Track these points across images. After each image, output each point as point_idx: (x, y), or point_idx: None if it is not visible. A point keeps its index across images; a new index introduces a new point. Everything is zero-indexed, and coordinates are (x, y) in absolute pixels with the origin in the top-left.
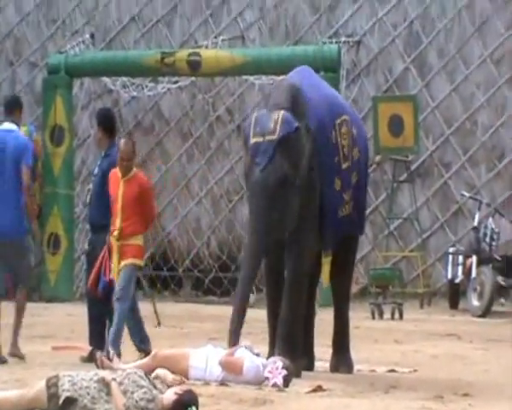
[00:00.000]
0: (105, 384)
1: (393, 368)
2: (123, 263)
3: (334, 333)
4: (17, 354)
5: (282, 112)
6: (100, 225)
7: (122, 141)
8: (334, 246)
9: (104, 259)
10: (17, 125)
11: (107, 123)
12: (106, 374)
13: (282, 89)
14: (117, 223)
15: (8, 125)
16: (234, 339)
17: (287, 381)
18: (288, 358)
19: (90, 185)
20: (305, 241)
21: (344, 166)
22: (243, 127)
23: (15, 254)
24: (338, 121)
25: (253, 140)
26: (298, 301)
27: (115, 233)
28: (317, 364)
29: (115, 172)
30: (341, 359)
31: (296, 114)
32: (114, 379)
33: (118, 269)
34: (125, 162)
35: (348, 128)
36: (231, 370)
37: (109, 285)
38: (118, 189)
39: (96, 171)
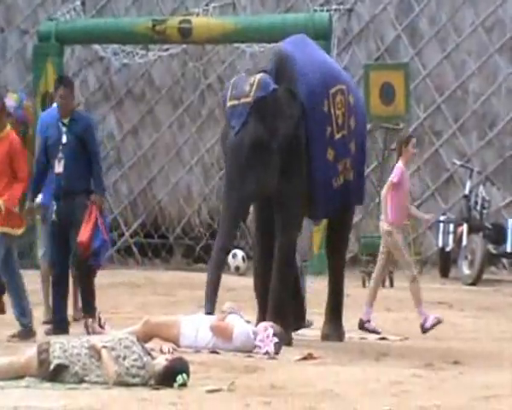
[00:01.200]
0: (96, 351)
1: (384, 336)
2: None
3: (328, 302)
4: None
5: (260, 75)
6: (78, 190)
7: None
8: (327, 216)
9: (98, 218)
10: None
11: (72, 85)
12: (96, 341)
13: (269, 55)
14: None
15: None
16: (209, 308)
17: (277, 348)
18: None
19: (60, 154)
20: (292, 210)
21: (338, 136)
22: (223, 93)
23: None
24: (332, 91)
25: (229, 103)
26: (287, 270)
27: None
28: (310, 332)
29: None
30: (333, 328)
31: (280, 78)
32: (105, 346)
33: None
34: None
35: (344, 97)
36: (221, 335)
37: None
38: None
39: (65, 139)
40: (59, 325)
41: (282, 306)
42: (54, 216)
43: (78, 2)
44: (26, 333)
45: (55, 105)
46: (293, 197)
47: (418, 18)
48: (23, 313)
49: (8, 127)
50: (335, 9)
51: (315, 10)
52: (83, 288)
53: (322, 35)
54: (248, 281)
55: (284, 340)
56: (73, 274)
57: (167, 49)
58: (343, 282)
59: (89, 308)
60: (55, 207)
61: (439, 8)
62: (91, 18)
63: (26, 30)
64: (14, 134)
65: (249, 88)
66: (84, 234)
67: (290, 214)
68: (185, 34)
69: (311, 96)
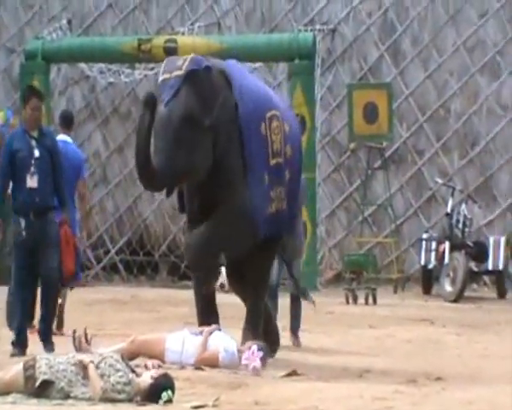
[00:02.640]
0: (82, 367)
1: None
2: None
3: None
4: None
5: (193, 54)
6: (50, 206)
7: None
8: (264, 237)
9: (74, 241)
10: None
11: (43, 97)
12: (83, 357)
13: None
14: None
15: (64, 137)
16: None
17: (264, 362)
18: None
19: (32, 169)
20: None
21: (273, 162)
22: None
23: None
24: (268, 115)
25: (160, 78)
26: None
27: None
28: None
29: None
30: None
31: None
32: (92, 362)
33: None
34: None
35: (279, 123)
36: (208, 364)
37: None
38: None
39: (38, 153)
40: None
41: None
42: (23, 234)
43: (65, 21)
44: None
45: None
46: (233, 215)
47: (401, 38)
48: None
49: None
50: (319, 30)
51: (299, 30)
52: (53, 305)
53: (306, 55)
54: (234, 298)
55: (268, 353)
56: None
57: (153, 68)
58: (261, 307)
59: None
60: (23, 225)
61: (422, 29)
62: (77, 37)
63: (12, 49)
64: None
65: (182, 62)
66: (68, 266)
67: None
68: (171, 53)
69: (249, 117)
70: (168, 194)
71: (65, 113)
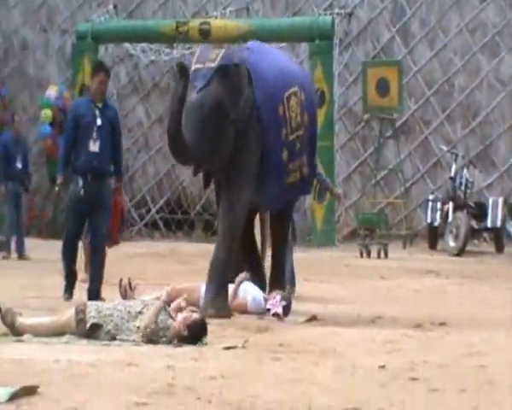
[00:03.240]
0: (132, 313)
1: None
2: None
3: (271, 275)
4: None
5: (224, 49)
6: (107, 171)
7: None
8: (272, 211)
9: (122, 205)
10: None
11: (110, 73)
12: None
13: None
14: None
15: None
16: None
17: (286, 310)
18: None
19: (94, 135)
20: (238, 198)
21: (292, 136)
22: (187, 59)
23: None
24: (287, 94)
25: (194, 67)
26: (226, 250)
27: None
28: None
29: None
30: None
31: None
32: (163, 301)
33: None
34: None
35: (297, 98)
36: (238, 311)
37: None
38: None
39: (100, 121)
40: (70, 279)
41: (218, 281)
42: (81, 193)
43: (111, 6)
44: None
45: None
46: (241, 188)
47: (410, 21)
48: None
49: None
50: (337, 13)
51: (319, 14)
52: (102, 266)
53: (325, 36)
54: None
55: (291, 304)
56: (86, 244)
57: (189, 48)
58: (284, 258)
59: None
60: (81, 184)
61: (429, 12)
62: (123, 20)
63: (65, 30)
64: None
65: (214, 56)
66: (115, 230)
67: (235, 203)
68: (205, 35)
69: (267, 101)
70: (194, 173)
71: None
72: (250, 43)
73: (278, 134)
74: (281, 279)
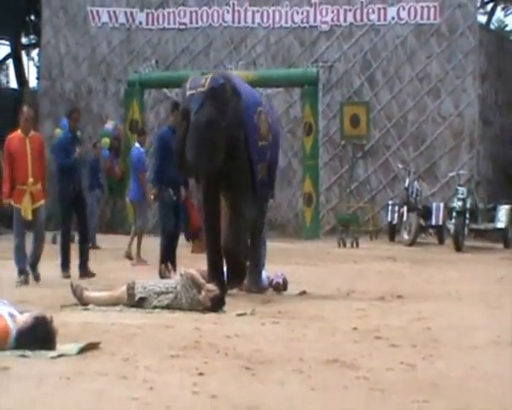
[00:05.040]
0: (169, 288)
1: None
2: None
3: (250, 264)
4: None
5: (211, 74)
6: (179, 181)
7: (25, 107)
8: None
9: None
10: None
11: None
12: (191, 271)
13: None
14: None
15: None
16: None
17: (285, 284)
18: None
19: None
20: (245, 188)
21: (260, 143)
22: (182, 88)
23: None
24: (258, 109)
25: (188, 93)
26: (242, 240)
27: (31, 180)
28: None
29: (16, 135)
30: (252, 282)
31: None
32: (197, 273)
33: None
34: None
35: (265, 117)
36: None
37: None
38: (24, 146)
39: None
40: (170, 257)
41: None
42: (174, 198)
43: (154, 61)
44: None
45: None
46: (243, 180)
47: (375, 71)
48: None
49: (33, 132)
50: (321, 66)
51: (307, 66)
52: (174, 247)
53: (312, 82)
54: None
55: (287, 282)
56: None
57: None
58: (259, 248)
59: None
60: (172, 192)
61: (389, 65)
62: (162, 71)
63: (119, 79)
64: (39, 135)
65: (204, 81)
66: (194, 225)
67: (243, 192)
68: None
69: (246, 110)
70: (197, 181)
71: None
72: (227, 72)
73: (254, 138)
74: (255, 262)
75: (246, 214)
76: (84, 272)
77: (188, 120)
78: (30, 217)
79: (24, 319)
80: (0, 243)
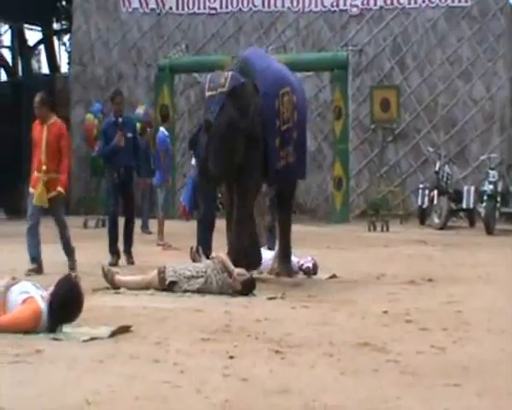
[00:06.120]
0: (199, 272)
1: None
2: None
3: (279, 248)
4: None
5: (231, 72)
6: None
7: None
8: (275, 185)
9: None
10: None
11: None
12: (221, 255)
13: (236, 61)
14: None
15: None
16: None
17: (315, 268)
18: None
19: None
20: (248, 183)
21: (283, 127)
22: (201, 86)
23: None
24: (282, 92)
25: (207, 93)
26: (242, 229)
27: (44, 168)
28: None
29: (38, 122)
30: (283, 267)
31: (244, 76)
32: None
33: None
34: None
35: (290, 97)
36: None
37: None
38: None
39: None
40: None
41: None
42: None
43: (184, 46)
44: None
45: None
46: (251, 174)
47: (405, 55)
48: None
49: (54, 117)
50: (351, 50)
51: (337, 50)
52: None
53: (342, 67)
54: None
55: (317, 265)
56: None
57: None
58: (289, 233)
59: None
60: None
61: (419, 49)
62: (192, 56)
63: (150, 64)
64: (60, 121)
65: (224, 81)
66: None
67: (246, 187)
68: None
69: (265, 96)
70: (216, 185)
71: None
72: (254, 49)
73: (273, 125)
74: (286, 252)
75: (247, 205)
76: (127, 258)
77: (209, 128)
78: (44, 204)
79: (49, 291)
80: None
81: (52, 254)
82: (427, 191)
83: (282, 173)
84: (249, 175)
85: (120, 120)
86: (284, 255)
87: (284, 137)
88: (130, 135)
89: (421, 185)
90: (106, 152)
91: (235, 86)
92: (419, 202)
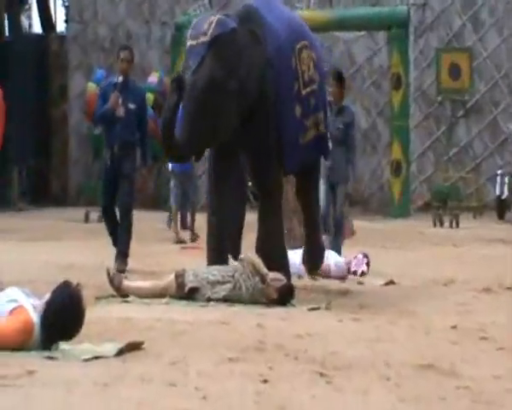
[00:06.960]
0: (225, 277)
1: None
2: None
3: (306, 242)
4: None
5: (218, 15)
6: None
7: None
8: (296, 171)
9: None
10: None
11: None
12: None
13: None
14: None
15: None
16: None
17: (368, 266)
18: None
19: None
20: (265, 162)
21: (304, 92)
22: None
23: None
24: (298, 46)
25: (188, 43)
26: (273, 222)
27: None
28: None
29: None
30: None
31: (245, 25)
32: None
33: None
34: None
35: (309, 53)
36: (322, 276)
37: None
38: None
39: None
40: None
41: (275, 255)
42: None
43: (206, 1)
44: None
45: None
46: (264, 151)
47: (480, 10)
48: None
49: None
50: (412, 4)
51: (396, 5)
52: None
53: (401, 24)
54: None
55: (370, 261)
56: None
57: None
58: (319, 226)
59: None
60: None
61: (498, 2)
62: (216, 12)
63: (165, 22)
64: None
65: (207, 27)
66: None
67: (263, 166)
68: None
69: (280, 55)
70: (197, 159)
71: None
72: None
73: (290, 88)
74: (319, 243)
75: (274, 202)
76: (117, 264)
77: (180, 92)
78: None
79: (43, 299)
80: (27, 221)
81: (52, 254)
82: (506, 179)
83: (310, 149)
84: (266, 167)
85: (121, 78)
86: (317, 250)
87: (308, 102)
88: (132, 106)
89: (499, 171)
90: (96, 118)
91: (219, 34)
92: (497, 192)
